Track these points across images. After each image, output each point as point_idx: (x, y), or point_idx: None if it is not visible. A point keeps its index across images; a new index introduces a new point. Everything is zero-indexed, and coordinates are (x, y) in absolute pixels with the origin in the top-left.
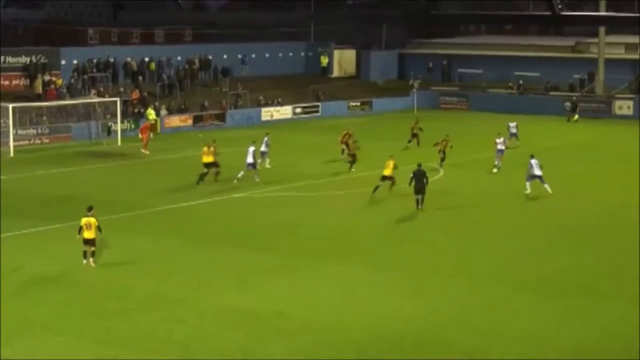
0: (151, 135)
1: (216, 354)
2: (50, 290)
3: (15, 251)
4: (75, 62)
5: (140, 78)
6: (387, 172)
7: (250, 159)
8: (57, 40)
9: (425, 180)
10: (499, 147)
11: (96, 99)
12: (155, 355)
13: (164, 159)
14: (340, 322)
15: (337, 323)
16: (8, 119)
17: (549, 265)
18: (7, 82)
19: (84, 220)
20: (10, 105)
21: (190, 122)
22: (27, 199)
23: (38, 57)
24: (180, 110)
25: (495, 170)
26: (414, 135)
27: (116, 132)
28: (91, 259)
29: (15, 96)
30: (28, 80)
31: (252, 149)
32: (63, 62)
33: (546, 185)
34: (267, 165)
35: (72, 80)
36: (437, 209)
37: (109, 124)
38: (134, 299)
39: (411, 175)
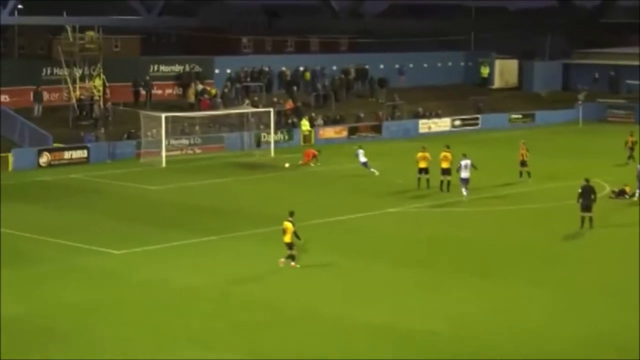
0: (312, 163)
1: None
2: (199, 303)
3: (166, 262)
4: (228, 71)
5: (295, 88)
6: None
7: (464, 174)
8: (211, 49)
9: (593, 197)
10: None
11: (250, 109)
12: None
13: (317, 171)
14: (497, 343)
15: (493, 343)
16: (161, 128)
17: None
18: (160, 92)
19: (284, 224)
20: (164, 115)
21: (345, 133)
22: (179, 210)
23: (191, 66)
24: (335, 121)
25: None
26: (632, 149)
27: (269, 143)
28: (291, 262)
29: (167, 105)
30: (181, 90)
31: (466, 162)
32: (217, 71)
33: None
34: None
35: (226, 90)
36: (606, 227)
37: (262, 134)
38: (284, 312)
39: (579, 190)
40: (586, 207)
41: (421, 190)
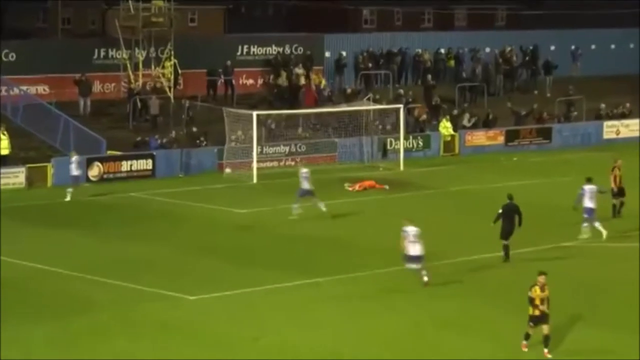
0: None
1: None
2: None
3: (256, 312)
4: (343, 53)
5: (430, 77)
6: None
7: (590, 204)
8: (320, 24)
9: (518, 220)
10: None
11: (371, 106)
12: None
13: (464, 190)
14: None
15: None
16: (251, 131)
17: None
18: (250, 81)
19: (533, 290)
20: (255, 113)
21: (501, 139)
22: (275, 242)
23: (293, 47)
24: (488, 123)
25: None
26: None
27: (397, 151)
28: (544, 350)
29: (258, 100)
30: (275, 78)
31: (590, 187)
32: (327, 54)
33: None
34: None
35: (339, 80)
36: None
37: (388, 140)
38: None
39: (499, 211)
40: (508, 233)
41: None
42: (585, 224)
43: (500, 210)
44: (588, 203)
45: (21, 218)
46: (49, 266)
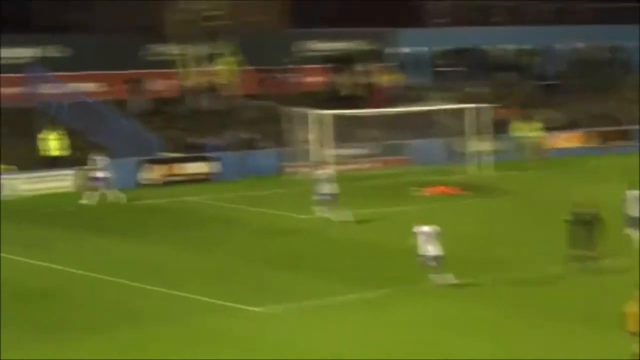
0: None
1: None
2: None
3: (325, 325)
4: (415, 50)
5: (513, 75)
6: None
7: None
8: (389, 19)
9: (596, 229)
10: None
11: (445, 106)
12: None
13: (543, 198)
14: None
15: None
16: (316, 132)
17: None
18: (310, 79)
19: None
20: (318, 113)
21: (584, 142)
22: (344, 250)
23: (360, 43)
24: (570, 125)
25: None
26: None
27: (473, 154)
28: None
29: (320, 99)
30: (341, 76)
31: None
32: (397, 50)
33: None
34: None
35: (410, 77)
36: None
37: (463, 142)
38: None
39: (567, 218)
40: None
41: None
42: (631, 229)
43: (569, 218)
44: (632, 210)
45: (69, 224)
46: (101, 274)
